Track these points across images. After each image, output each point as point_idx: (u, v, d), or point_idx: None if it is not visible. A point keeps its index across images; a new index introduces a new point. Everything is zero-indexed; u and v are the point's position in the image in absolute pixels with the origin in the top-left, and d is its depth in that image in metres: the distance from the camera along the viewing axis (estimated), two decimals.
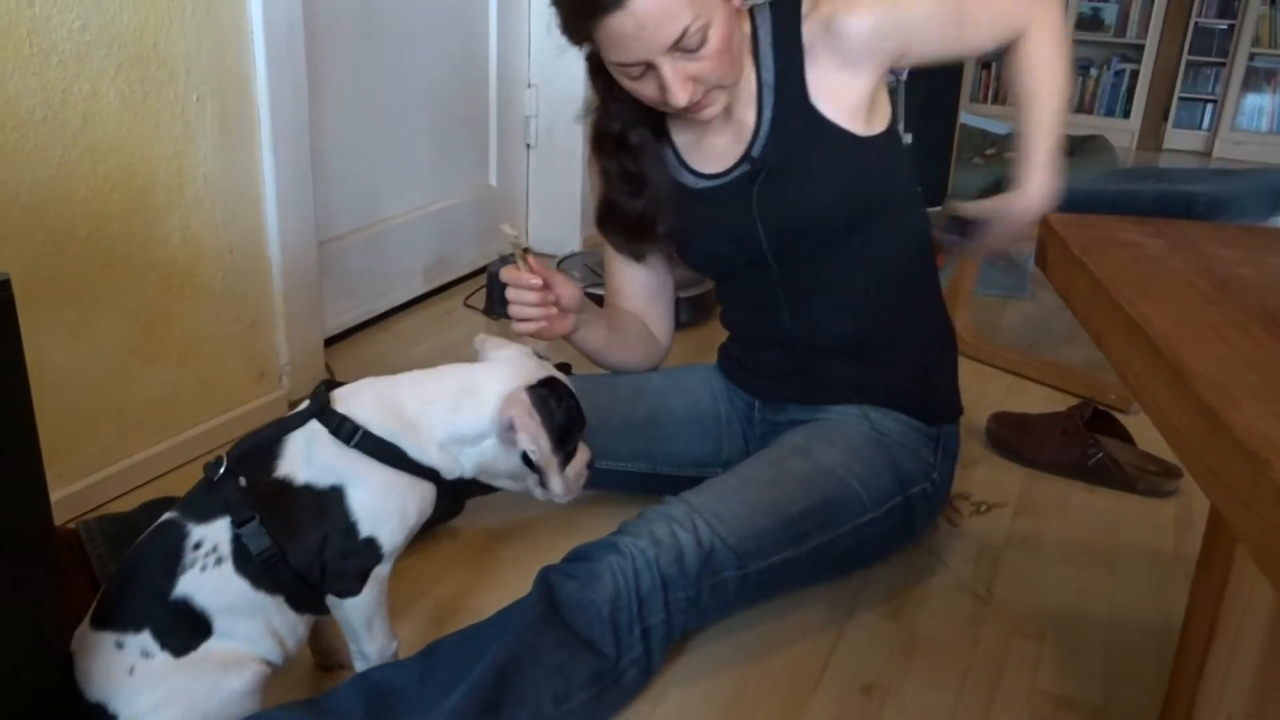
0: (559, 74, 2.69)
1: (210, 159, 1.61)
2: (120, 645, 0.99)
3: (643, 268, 1.48)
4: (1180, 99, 5.30)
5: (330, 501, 1.03)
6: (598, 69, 1.30)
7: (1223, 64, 5.16)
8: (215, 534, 1.02)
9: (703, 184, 1.36)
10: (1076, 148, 3.64)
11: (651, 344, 1.53)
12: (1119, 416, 1.82)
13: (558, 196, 2.81)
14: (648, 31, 1.13)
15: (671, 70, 1.17)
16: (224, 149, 1.63)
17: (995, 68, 5.58)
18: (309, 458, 1.04)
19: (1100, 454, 1.72)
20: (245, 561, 1.01)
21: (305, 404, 1.08)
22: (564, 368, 1.86)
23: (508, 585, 1.36)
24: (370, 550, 1.05)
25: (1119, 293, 0.76)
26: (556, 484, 1.09)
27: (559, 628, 1.10)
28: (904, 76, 2.63)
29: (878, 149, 1.31)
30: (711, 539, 1.19)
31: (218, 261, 1.66)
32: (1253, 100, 5.17)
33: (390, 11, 2.18)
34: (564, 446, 1.10)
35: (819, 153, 1.29)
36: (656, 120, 1.37)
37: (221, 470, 1.04)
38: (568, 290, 1.33)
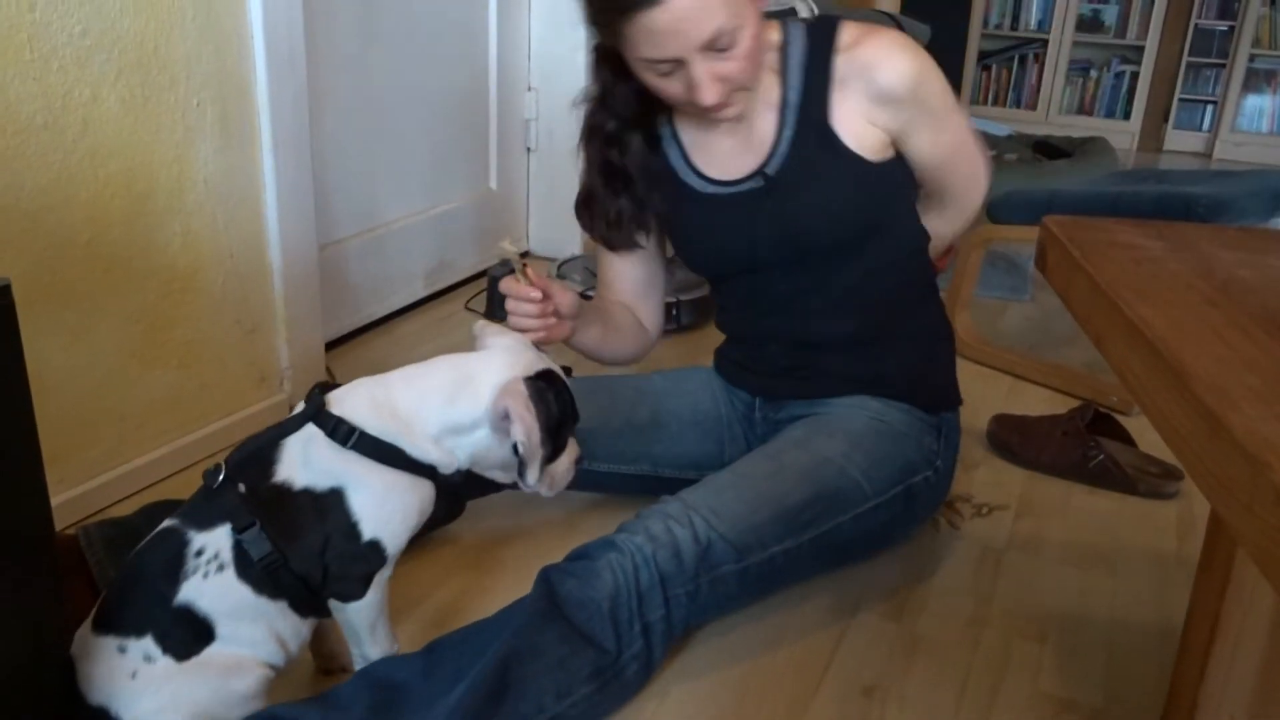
0: (559, 77, 2.69)
1: (211, 163, 1.61)
2: (123, 650, 0.99)
3: (636, 261, 1.48)
4: (1180, 100, 5.30)
5: (330, 504, 1.03)
6: (604, 62, 1.30)
7: (1223, 65, 5.16)
8: (216, 541, 1.02)
9: (710, 189, 1.36)
10: (1076, 149, 3.65)
11: (642, 335, 1.53)
12: (1120, 418, 1.82)
13: (558, 200, 2.81)
14: (684, 28, 1.14)
15: (702, 69, 1.18)
16: (224, 153, 1.63)
17: (994, 69, 5.59)
18: (307, 461, 1.04)
19: (1101, 456, 1.72)
20: (247, 567, 1.01)
21: (301, 407, 1.08)
22: (566, 371, 1.85)
23: (508, 589, 1.35)
24: (374, 553, 1.05)
25: (1119, 295, 0.76)
26: (532, 476, 1.08)
27: (560, 623, 1.11)
28: None
29: (887, 173, 1.33)
30: (709, 534, 1.20)
31: (218, 266, 1.66)
32: (1253, 101, 5.17)
33: (390, 16, 2.19)
34: (554, 440, 1.09)
35: (832, 176, 1.31)
36: (651, 124, 1.37)
37: (220, 477, 1.04)
38: (566, 298, 1.34)
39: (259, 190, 1.72)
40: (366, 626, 1.09)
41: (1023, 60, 5.54)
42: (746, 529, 1.23)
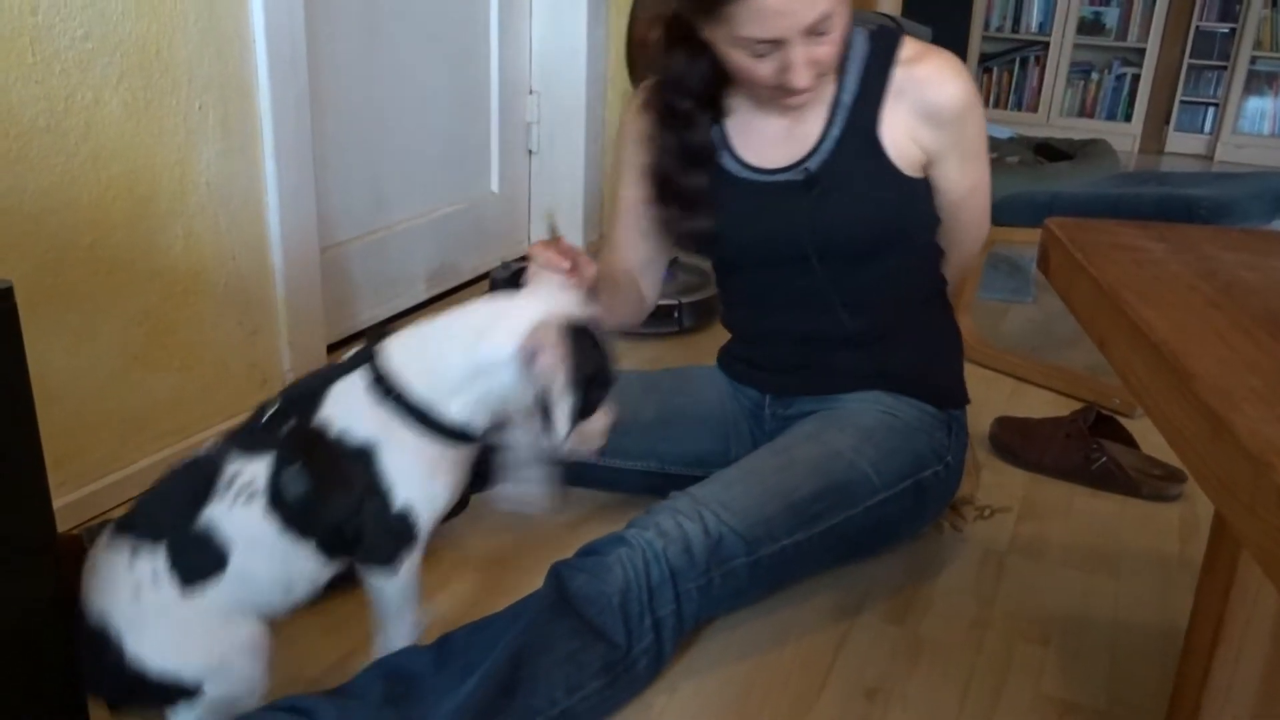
0: (560, 81, 2.70)
1: (213, 166, 1.61)
2: (135, 554, 0.97)
3: (647, 234, 1.49)
4: (1182, 103, 5.29)
5: (360, 459, 1.00)
6: (679, 44, 1.30)
7: (1224, 67, 5.15)
8: (253, 470, 0.99)
9: (746, 175, 1.37)
10: (1078, 152, 3.64)
11: (640, 305, 1.54)
12: (1122, 421, 1.82)
13: (560, 202, 2.81)
14: (796, 9, 1.15)
15: (800, 52, 1.19)
16: (226, 156, 1.63)
17: (996, 71, 5.59)
18: (347, 409, 1.01)
19: (1104, 458, 1.72)
20: (279, 503, 0.99)
21: (355, 350, 1.05)
22: None
23: (514, 589, 1.35)
24: (403, 525, 1.03)
25: (1121, 297, 0.76)
26: (561, 425, 1.01)
27: (571, 617, 1.11)
28: None
29: (920, 189, 1.35)
30: (719, 528, 1.21)
31: (220, 268, 1.66)
32: (1254, 104, 5.16)
33: (392, 19, 2.19)
34: (585, 395, 1.03)
35: (870, 181, 1.32)
36: (718, 105, 1.37)
37: (274, 410, 1.02)
38: (591, 271, 1.34)
39: (261, 193, 1.72)
40: (396, 608, 1.08)
41: (1024, 62, 5.54)
42: (757, 522, 1.23)
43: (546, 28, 2.66)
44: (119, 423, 1.53)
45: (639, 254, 1.50)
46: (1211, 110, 5.27)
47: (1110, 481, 1.72)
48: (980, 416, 1.87)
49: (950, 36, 1.34)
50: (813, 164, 1.33)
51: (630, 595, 1.14)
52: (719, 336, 1.57)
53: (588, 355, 1.03)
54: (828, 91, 1.32)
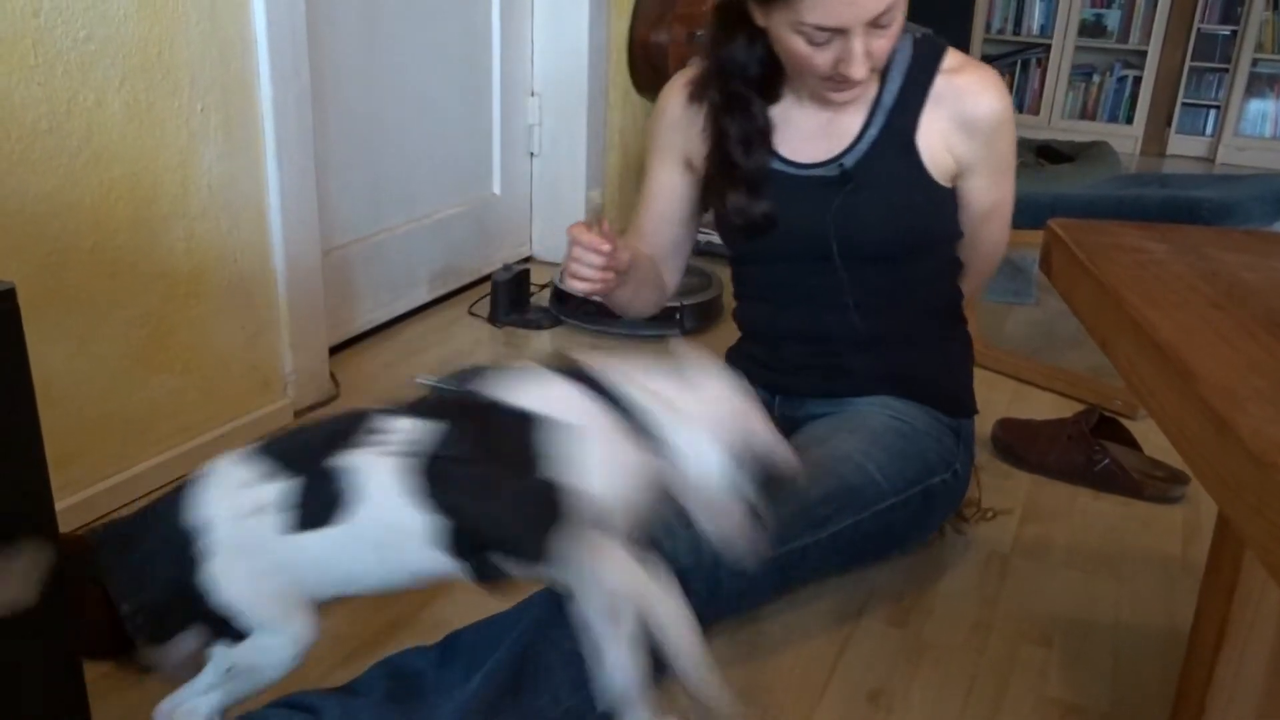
0: (562, 83, 2.70)
1: (214, 168, 1.61)
2: (265, 478, 0.93)
3: (676, 221, 1.49)
4: (1183, 105, 5.29)
5: (537, 428, 0.92)
6: (738, 31, 1.30)
7: (1226, 70, 5.15)
8: (398, 426, 0.93)
9: (779, 167, 1.37)
10: (1079, 154, 3.64)
11: (661, 293, 1.54)
12: (1125, 422, 1.81)
13: (561, 205, 2.81)
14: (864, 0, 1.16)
15: (861, 43, 1.20)
16: (228, 158, 1.63)
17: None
18: (539, 393, 0.96)
19: (1106, 460, 1.71)
20: (415, 466, 0.91)
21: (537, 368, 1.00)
22: None
23: (516, 592, 1.35)
24: (551, 494, 0.91)
25: (1124, 298, 0.76)
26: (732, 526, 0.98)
27: (568, 619, 1.10)
28: None
29: (949, 198, 1.36)
30: None
31: (222, 270, 1.66)
32: (1256, 106, 5.16)
33: (393, 20, 2.19)
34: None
35: (903, 184, 1.33)
36: (774, 92, 1.38)
37: (439, 385, 0.99)
38: (625, 257, 1.34)
39: (263, 195, 1.72)
40: (596, 618, 0.98)
41: (1025, 65, 5.54)
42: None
43: (548, 30, 2.66)
44: (121, 425, 1.53)
45: (666, 240, 1.50)
46: (1213, 112, 5.27)
47: (1113, 483, 1.71)
48: (982, 418, 1.87)
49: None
50: (848, 160, 1.33)
51: None
52: (721, 338, 1.57)
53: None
54: (869, 91, 1.33)
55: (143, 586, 0.93)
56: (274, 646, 0.95)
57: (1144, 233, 0.96)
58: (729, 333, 1.58)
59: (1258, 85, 5.13)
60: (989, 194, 1.37)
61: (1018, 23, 5.52)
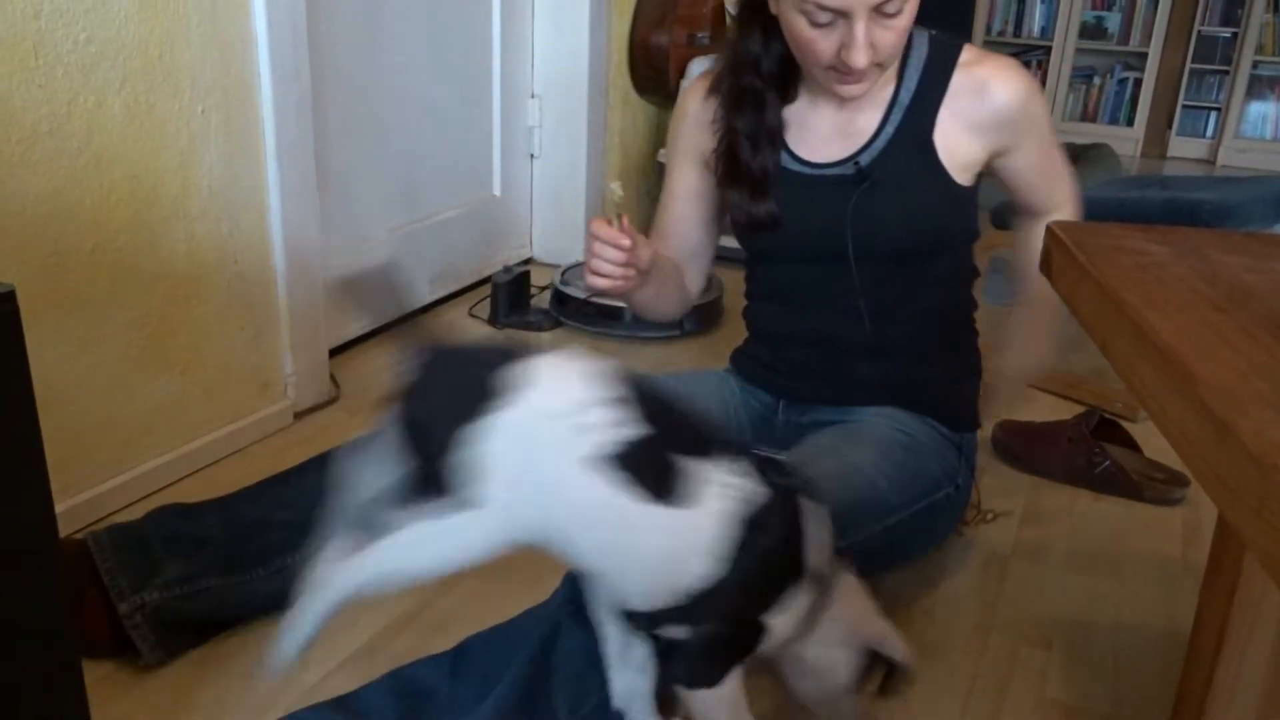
0: (562, 84, 2.70)
1: (215, 170, 1.61)
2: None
3: (698, 223, 1.48)
4: (1184, 107, 5.29)
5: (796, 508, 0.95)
6: (755, 25, 1.30)
7: (1226, 72, 5.16)
8: (740, 483, 0.93)
9: (795, 166, 1.36)
10: (1080, 156, 3.64)
11: (684, 296, 1.52)
12: (1125, 424, 1.81)
13: (561, 207, 2.81)
14: None
15: (864, 28, 1.18)
16: (229, 160, 1.63)
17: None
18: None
19: (1107, 462, 1.71)
20: (738, 517, 0.91)
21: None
22: None
23: (517, 594, 1.35)
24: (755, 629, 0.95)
25: (1124, 300, 0.76)
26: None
27: (586, 626, 1.10)
28: None
29: (967, 197, 1.35)
30: None
31: (222, 272, 1.66)
32: (1256, 108, 5.16)
33: (394, 23, 2.19)
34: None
35: (919, 183, 1.32)
36: (791, 90, 1.37)
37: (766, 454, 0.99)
38: (646, 255, 1.33)
39: (263, 197, 1.72)
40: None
41: (1026, 67, 5.54)
42: None
43: (548, 31, 2.66)
44: (121, 427, 1.53)
45: (688, 242, 1.49)
46: (1213, 115, 5.27)
47: (1113, 485, 1.71)
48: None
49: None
50: (864, 158, 1.32)
51: None
52: (723, 341, 1.56)
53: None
54: (886, 90, 1.32)
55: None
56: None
57: (1145, 235, 0.96)
58: (729, 335, 1.57)
59: (1258, 87, 5.14)
60: (1038, 165, 1.37)
61: (1018, 24, 5.52)
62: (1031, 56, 5.52)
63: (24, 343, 0.80)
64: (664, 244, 1.49)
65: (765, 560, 0.93)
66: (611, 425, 0.87)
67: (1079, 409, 1.87)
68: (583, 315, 2.35)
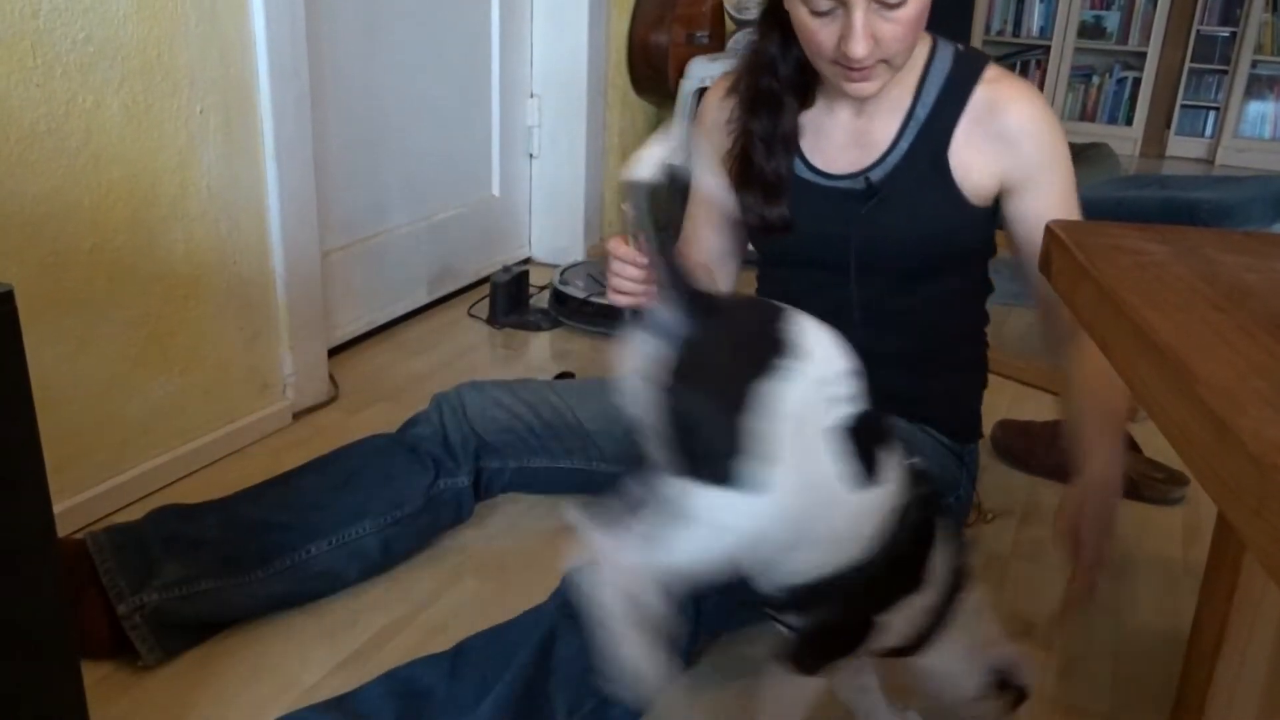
0: (561, 84, 2.70)
1: (214, 170, 1.61)
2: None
3: (720, 229, 1.47)
4: (1183, 106, 5.29)
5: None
6: (774, 27, 1.28)
7: (1225, 71, 5.16)
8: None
9: (807, 175, 1.35)
10: (1079, 155, 3.64)
11: None
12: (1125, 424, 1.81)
13: (560, 206, 2.81)
14: None
15: (863, 18, 1.15)
16: (227, 160, 1.63)
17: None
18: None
19: None
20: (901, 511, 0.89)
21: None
22: (569, 375, 1.85)
23: (516, 595, 1.35)
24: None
25: (1124, 299, 0.76)
26: None
27: (581, 634, 1.10)
28: None
29: (980, 218, 1.32)
30: None
31: (221, 272, 1.66)
32: (1255, 108, 5.17)
33: (393, 22, 2.19)
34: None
35: (931, 201, 1.29)
36: (808, 94, 1.35)
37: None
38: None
39: (262, 197, 1.72)
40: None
41: (1025, 67, 5.54)
42: None
43: (547, 31, 2.66)
44: (119, 427, 1.53)
45: (713, 247, 1.48)
46: (1212, 114, 5.27)
47: None
48: (983, 420, 1.87)
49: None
50: (875, 174, 1.30)
51: None
52: None
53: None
54: (904, 101, 1.29)
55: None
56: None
57: (1144, 234, 0.96)
58: None
59: (1257, 87, 5.14)
60: (1046, 211, 1.25)
61: (1017, 24, 5.52)
62: (1030, 56, 5.52)
63: (22, 342, 0.80)
64: (690, 248, 1.48)
65: (895, 557, 0.90)
66: (852, 398, 0.85)
67: None
68: (582, 315, 2.35)
